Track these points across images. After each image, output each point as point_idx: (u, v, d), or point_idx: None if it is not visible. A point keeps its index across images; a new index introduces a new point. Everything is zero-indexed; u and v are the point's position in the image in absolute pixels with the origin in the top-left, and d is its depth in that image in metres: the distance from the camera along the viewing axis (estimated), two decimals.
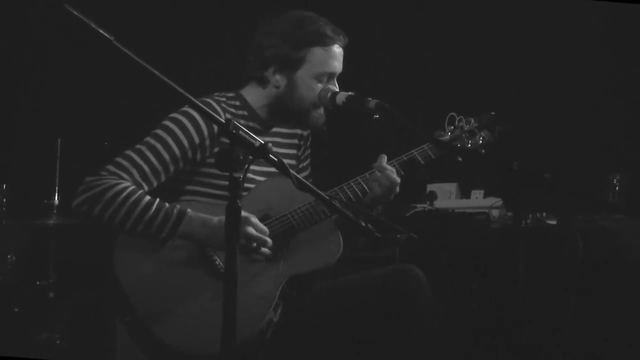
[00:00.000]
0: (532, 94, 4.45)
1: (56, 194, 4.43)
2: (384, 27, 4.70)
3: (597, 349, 3.66)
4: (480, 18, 4.54)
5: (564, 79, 4.43)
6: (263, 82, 3.08)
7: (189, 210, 2.86)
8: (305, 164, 3.33)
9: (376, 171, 3.04)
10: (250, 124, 3.09)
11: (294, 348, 2.99)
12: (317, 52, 3.02)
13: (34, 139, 4.63)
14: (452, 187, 4.25)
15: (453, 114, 3.20)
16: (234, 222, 2.19)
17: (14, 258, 4.41)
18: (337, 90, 3.06)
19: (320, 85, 3.04)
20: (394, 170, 3.04)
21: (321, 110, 3.07)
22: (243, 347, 2.74)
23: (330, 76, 3.06)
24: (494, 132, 3.22)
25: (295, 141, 3.26)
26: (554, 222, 3.86)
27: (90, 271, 4.11)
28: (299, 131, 3.25)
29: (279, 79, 3.05)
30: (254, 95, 3.10)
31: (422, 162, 3.11)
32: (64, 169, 4.45)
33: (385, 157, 3.08)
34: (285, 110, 3.09)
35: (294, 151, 3.25)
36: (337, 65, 3.06)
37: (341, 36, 3.06)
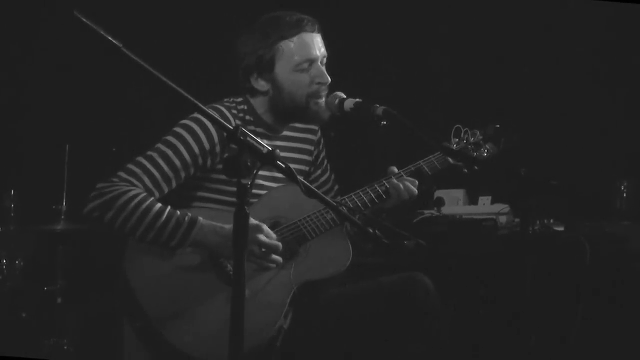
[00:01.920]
0: (539, 101, 4.44)
1: (64, 200, 4.43)
2: (391, 38, 4.70)
3: (605, 356, 3.65)
4: (486, 30, 4.54)
5: (570, 85, 4.42)
6: (253, 92, 3.10)
7: (200, 218, 2.87)
8: (322, 168, 3.34)
9: (394, 179, 3.05)
10: (258, 130, 3.10)
11: (305, 355, 2.99)
12: (284, 46, 3.04)
13: (42, 145, 4.64)
14: (459, 193, 4.24)
15: (459, 126, 3.21)
16: (242, 228, 2.19)
17: (22, 264, 4.42)
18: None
19: (304, 76, 3.05)
20: (416, 182, 3.05)
21: (320, 101, 3.07)
22: (254, 353, 2.75)
23: (310, 63, 3.05)
24: (499, 145, 3.23)
25: (307, 146, 3.25)
26: (561, 229, 3.85)
27: (98, 277, 4.13)
28: (310, 136, 3.26)
29: (264, 84, 3.08)
30: (256, 101, 3.12)
31: (429, 172, 3.11)
32: (72, 175, 4.46)
33: (395, 169, 3.09)
34: (283, 112, 3.11)
35: (306, 157, 3.25)
36: (312, 52, 3.05)
37: (307, 23, 3.05)
